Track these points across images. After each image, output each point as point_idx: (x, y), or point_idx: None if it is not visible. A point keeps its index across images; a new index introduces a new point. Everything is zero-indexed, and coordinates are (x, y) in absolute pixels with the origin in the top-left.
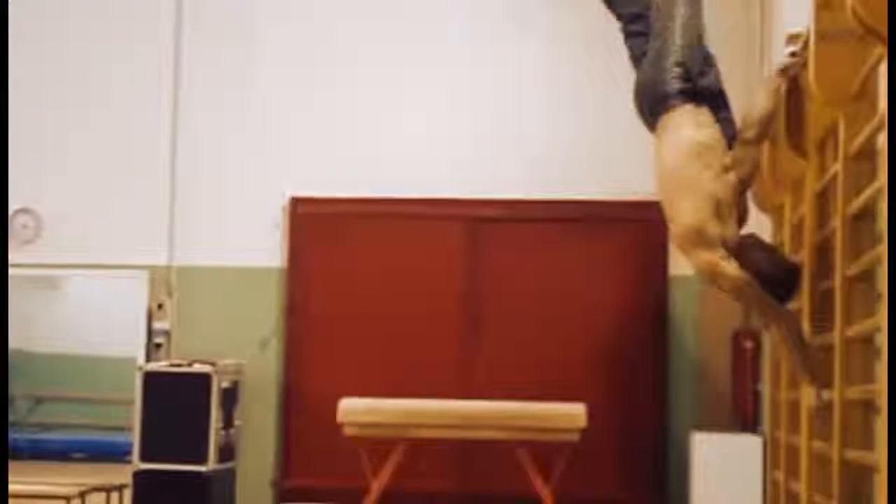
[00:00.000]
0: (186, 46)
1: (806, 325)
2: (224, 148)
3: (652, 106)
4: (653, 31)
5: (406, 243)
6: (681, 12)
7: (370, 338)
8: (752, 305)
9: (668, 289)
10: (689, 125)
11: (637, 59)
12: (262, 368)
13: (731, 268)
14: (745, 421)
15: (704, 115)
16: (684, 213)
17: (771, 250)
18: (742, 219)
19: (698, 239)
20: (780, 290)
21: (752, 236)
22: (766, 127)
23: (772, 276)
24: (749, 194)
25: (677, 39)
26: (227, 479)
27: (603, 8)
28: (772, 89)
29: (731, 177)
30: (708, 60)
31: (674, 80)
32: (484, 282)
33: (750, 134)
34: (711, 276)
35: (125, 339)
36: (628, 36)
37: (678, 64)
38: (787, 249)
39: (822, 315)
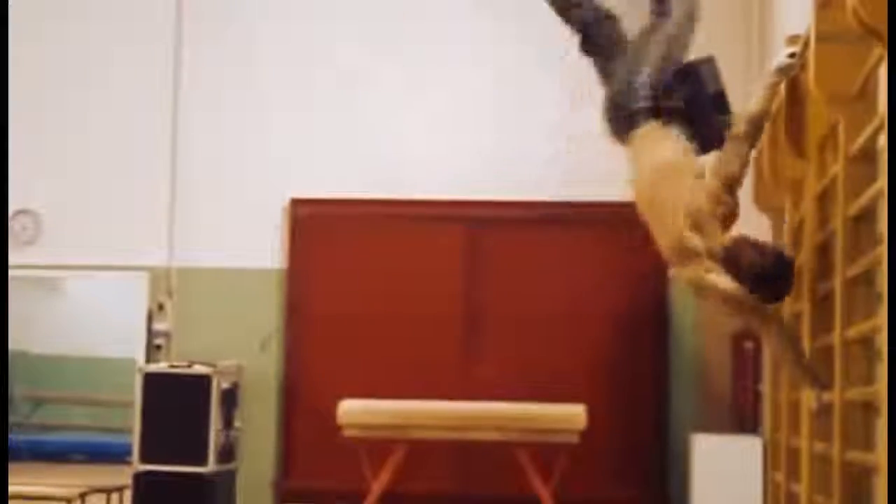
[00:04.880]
0: (186, 46)
1: (806, 327)
2: (224, 148)
3: (619, 124)
4: (621, 45)
5: (406, 244)
6: (664, 30)
7: (370, 338)
8: (740, 313)
9: (669, 289)
10: (654, 146)
11: (602, 74)
12: (262, 369)
13: (715, 279)
14: (746, 422)
15: (667, 132)
16: (661, 234)
17: (761, 248)
18: (732, 216)
19: (679, 255)
20: (776, 286)
21: (739, 240)
22: (757, 125)
23: (765, 274)
24: (742, 191)
25: (650, 57)
26: (227, 481)
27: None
28: (768, 89)
29: (709, 181)
30: (683, 77)
31: (640, 99)
32: (484, 282)
33: (740, 129)
34: (697, 289)
35: (125, 340)
36: (586, 53)
37: (646, 82)
38: None
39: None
